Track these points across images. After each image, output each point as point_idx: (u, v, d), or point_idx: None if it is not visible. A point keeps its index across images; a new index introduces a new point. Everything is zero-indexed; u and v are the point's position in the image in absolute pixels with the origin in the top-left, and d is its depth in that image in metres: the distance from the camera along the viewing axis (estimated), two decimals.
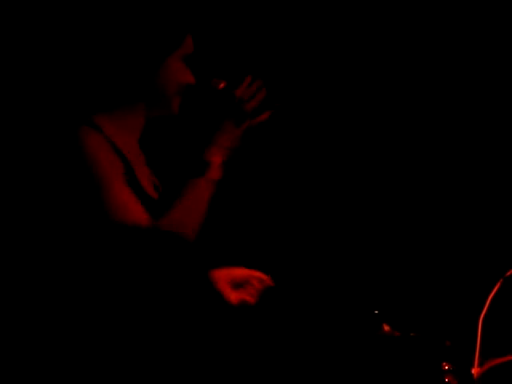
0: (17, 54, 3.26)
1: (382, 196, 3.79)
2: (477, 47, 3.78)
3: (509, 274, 2.76)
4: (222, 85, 2.38)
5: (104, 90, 2.36)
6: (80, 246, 2.22)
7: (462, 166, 3.80)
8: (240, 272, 2.43)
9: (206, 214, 2.29)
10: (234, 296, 2.38)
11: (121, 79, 2.31)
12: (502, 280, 2.75)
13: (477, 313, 2.77)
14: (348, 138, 3.78)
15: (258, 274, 2.46)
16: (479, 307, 2.76)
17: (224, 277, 2.40)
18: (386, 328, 2.89)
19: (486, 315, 2.72)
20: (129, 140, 2.35)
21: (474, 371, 2.64)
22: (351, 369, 3.55)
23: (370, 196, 3.80)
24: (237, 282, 2.41)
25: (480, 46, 3.78)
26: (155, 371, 2.18)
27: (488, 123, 3.80)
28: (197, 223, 2.26)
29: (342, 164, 3.77)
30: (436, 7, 3.77)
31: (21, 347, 3.07)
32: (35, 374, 2.36)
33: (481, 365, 2.65)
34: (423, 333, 2.89)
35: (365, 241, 3.76)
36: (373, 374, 3.17)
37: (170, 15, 2.34)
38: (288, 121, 2.34)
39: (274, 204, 3.67)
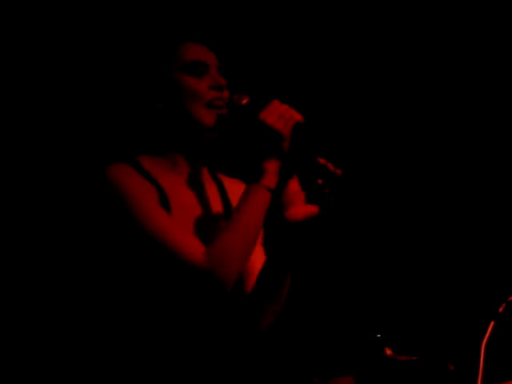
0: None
1: (384, 216, 3.80)
2: (477, 47, 3.79)
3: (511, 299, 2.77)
4: (244, 101, 2.25)
5: (134, 135, 2.29)
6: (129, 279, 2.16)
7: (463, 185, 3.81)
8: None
9: (261, 228, 2.15)
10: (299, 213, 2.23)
11: (138, 118, 2.23)
12: (504, 304, 2.76)
13: (479, 337, 2.77)
14: (349, 139, 3.79)
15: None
16: (482, 331, 2.77)
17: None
18: (389, 352, 2.90)
19: (488, 340, 2.72)
20: (173, 178, 2.22)
21: None
22: None
23: (372, 211, 3.80)
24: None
25: (480, 46, 3.79)
26: (159, 371, 2.17)
27: (488, 123, 3.80)
28: (254, 232, 2.11)
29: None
30: (436, 7, 3.78)
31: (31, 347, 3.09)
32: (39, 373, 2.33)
33: None
34: (426, 356, 2.90)
35: (367, 262, 3.76)
36: None
37: (147, 36, 2.26)
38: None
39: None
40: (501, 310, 2.74)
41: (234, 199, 2.25)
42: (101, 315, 2.25)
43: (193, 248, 2.08)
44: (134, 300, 2.15)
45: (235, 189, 2.32)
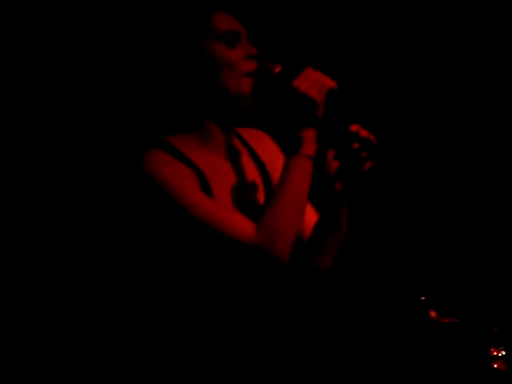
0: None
1: (429, 186, 3.78)
2: (477, 47, 3.75)
3: None
4: (277, 69, 2.23)
5: (170, 112, 2.27)
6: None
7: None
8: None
9: (308, 196, 2.13)
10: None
11: (171, 89, 2.21)
12: None
13: None
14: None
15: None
16: None
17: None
18: (433, 314, 2.89)
19: None
20: (209, 155, 2.21)
21: None
22: (399, 354, 3.56)
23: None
24: None
25: (480, 46, 3.74)
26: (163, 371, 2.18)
27: (488, 123, 3.77)
28: (302, 204, 2.10)
29: None
30: (436, 7, 3.74)
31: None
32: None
33: None
34: (470, 319, 2.89)
35: (412, 227, 3.75)
36: (420, 361, 3.17)
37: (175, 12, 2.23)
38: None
39: None
40: None
41: (264, 155, 2.25)
42: (160, 301, 2.25)
43: (243, 227, 2.07)
44: (193, 283, 2.15)
45: (260, 143, 2.32)
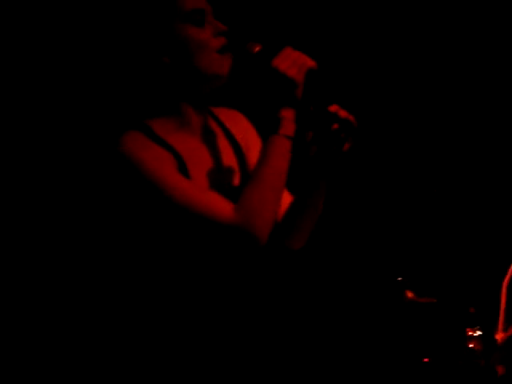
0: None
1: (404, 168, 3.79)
2: (477, 47, 3.75)
3: None
4: (257, 48, 2.21)
5: (141, 95, 2.25)
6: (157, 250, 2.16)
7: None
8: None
9: (287, 176, 2.10)
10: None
11: (145, 77, 2.19)
12: None
13: (500, 278, 2.77)
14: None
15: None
16: (502, 273, 2.77)
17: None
18: (410, 295, 2.91)
19: (509, 281, 2.72)
20: (187, 138, 2.19)
21: (498, 336, 2.65)
22: (375, 335, 3.57)
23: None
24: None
25: (480, 46, 3.75)
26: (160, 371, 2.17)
27: (487, 123, 3.78)
28: (281, 184, 2.08)
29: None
30: (436, 7, 3.74)
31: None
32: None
33: (505, 330, 2.66)
34: (447, 299, 2.90)
35: (389, 210, 3.76)
36: (397, 341, 3.18)
37: None
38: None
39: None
40: None
41: (239, 135, 2.25)
42: (136, 284, 2.24)
43: (221, 207, 2.06)
44: (173, 266, 2.14)
45: (235, 122, 2.31)
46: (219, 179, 2.19)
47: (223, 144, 2.26)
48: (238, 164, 2.25)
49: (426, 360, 2.90)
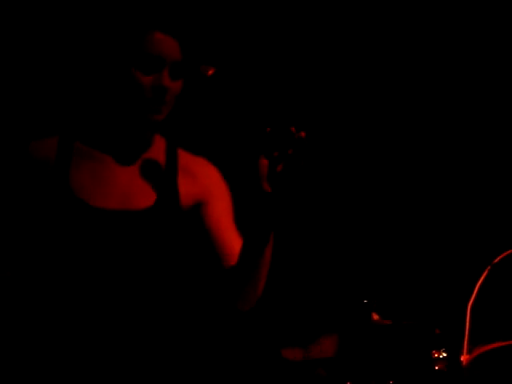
0: None
1: (367, 189, 3.81)
2: (477, 47, 3.78)
3: (496, 261, 2.78)
4: (210, 71, 2.24)
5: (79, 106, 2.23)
6: None
7: (444, 159, 3.82)
8: None
9: None
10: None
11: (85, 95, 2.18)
12: (489, 267, 2.77)
13: (465, 300, 2.78)
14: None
15: None
16: (467, 295, 2.78)
17: None
18: (376, 317, 2.91)
19: (474, 303, 2.73)
20: (107, 153, 2.22)
21: (463, 358, 2.66)
22: (342, 357, 3.57)
23: (357, 190, 3.81)
24: None
25: (480, 46, 3.78)
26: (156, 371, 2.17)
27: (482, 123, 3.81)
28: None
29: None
30: (436, 7, 3.76)
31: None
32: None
33: (470, 352, 2.67)
34: (413, 321, 2.91)
35: (354, 231, 3.77)
36: (363, 362, 3.18)
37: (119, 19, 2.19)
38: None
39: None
40: (485, 273, 2.75)
41: (185, 176, 2.26)
42: None
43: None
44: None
45: (198, 170, 2.31)
46: (119, 196, 2.18)
47: (154, 174, 2.24)
48: (154, 194, 2.23)
49: (391, 382, 2.90)
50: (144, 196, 2.18)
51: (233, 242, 2.27)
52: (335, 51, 3.73)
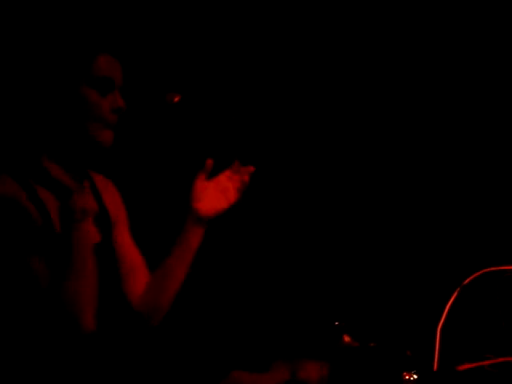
0: None
1: (337, 210, 3.81)
2: (477, 47, 3.80)
3: (466, 282, 2.79)
4: (176, 99, 2.27)
5: (33, 132, 2.23)
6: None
7: (413, 176, 3.83)
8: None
9: None
10: (211, 210, 2.26)
11: (34, 122, 2.18)
12: (459, 289, 2.77)
13: (435, 322, 2.79)
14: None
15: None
16: (437, 316, 2.78)
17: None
18: (347, 339, 2.90)
19: (444, 324, 2.74)
20: (71, 179, 2.23)
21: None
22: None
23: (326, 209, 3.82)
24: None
25: (480, 46, 3.80)
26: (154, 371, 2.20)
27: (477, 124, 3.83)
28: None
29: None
30: (436, 7, 3.78)
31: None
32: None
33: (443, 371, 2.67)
34: (384, 343, 2.91)
35: (323, 252, 3.77)
36: None
37: (69, 42, 2.20)
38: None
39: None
40: (455, 295, 2.76)
41: (109, 204, 2.28)
42: None
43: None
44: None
45: (107, 191, 2.35)
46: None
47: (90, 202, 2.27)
48: (100, 226, 2.25)
49: None
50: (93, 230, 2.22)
51: (139, 260, 2.31)
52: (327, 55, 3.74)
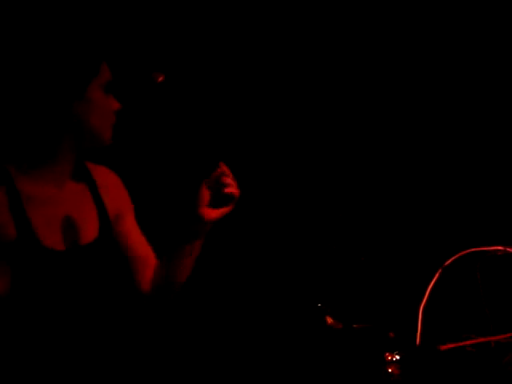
0: None
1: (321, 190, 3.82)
2: (477, 47, 3.81)
3: (447, 263, 2.81)
4: (160, 78, 2.33)
5: (23, 134, 2.24)
6: None
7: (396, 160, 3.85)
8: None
9: None
10: (214, 214, 2.28)
11: (39, 120, 2.21)
12: (440, 270, 2.79)
13: (417, 303, 2.81)
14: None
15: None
16: (419, 297, 2.81)
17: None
18: (330, 320, 2.92)
19: (425, 305, 2.76)
20: (50, 187, 2.24)
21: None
22: (296, 361, 3.58)
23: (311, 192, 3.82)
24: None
25: (480, 46, 3.81)
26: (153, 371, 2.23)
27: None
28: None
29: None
30: (436, 7, 3.79)
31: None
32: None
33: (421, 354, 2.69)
34: (366, 324, 2.92)
35: (305, 235, 3.78)
36: (317, 367, 3.19)
37: (81, 46, 2.24)
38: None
39: None
40: (437, 275, 2.78)
41: (109, 198, 2.29)
42: None
43: None
44: None
45: (108, 185, 2.36)
46: (67, 233, 2.21)
47: (86, 201, 2.29)
48: (97, 223, 2.27)
49: None
50: (87, 228, 2.23)
51: (147, 249, 2.33)
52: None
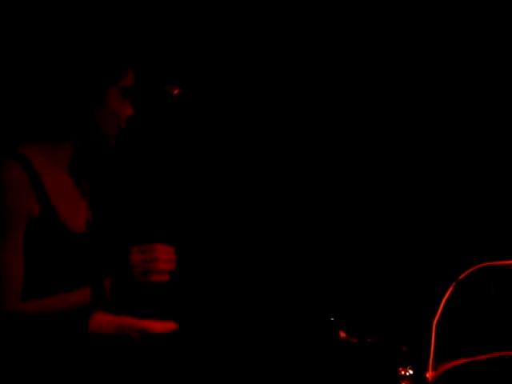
0: None
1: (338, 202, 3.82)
2: (477, 47, 3.80)
3: (461, 278, 2.79)
4: (176, 91, 2.33)
5: (37, 120, 2.28)
6: None
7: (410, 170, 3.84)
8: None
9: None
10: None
11: (55, 111, 2.24)
12: (454, 284, 2.78)
13: (430, 317, 2.79)
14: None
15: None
16: (433, 312, 2.79)
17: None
18: (343, 334, 2.91)
19: (439, 319, 2.74)
20: (57, 173, 2.29)
21: (429, 375, 2.67)
22: (309, 376, 3.56)
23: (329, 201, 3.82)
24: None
25: (480, 46, 3.79)
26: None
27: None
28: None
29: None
30: (436, 7, 3.78)
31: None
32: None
33: (435, 369, 2.67)
34: (379, 339, 2.91)
35: (320, 248, 3.77)
36: (331, 381, 3.18)
37: (110, 48, 2.27)
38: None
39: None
40: (451, 289, 2.77)
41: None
42: None
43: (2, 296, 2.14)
44: None
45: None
46: (85, 217, 2.24)
47: (83, 191, 2.35)
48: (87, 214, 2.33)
49: None
50: (80, 221, 2.29)
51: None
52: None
